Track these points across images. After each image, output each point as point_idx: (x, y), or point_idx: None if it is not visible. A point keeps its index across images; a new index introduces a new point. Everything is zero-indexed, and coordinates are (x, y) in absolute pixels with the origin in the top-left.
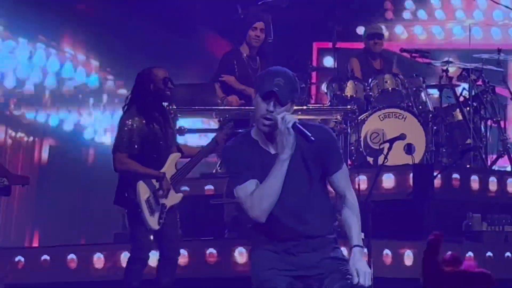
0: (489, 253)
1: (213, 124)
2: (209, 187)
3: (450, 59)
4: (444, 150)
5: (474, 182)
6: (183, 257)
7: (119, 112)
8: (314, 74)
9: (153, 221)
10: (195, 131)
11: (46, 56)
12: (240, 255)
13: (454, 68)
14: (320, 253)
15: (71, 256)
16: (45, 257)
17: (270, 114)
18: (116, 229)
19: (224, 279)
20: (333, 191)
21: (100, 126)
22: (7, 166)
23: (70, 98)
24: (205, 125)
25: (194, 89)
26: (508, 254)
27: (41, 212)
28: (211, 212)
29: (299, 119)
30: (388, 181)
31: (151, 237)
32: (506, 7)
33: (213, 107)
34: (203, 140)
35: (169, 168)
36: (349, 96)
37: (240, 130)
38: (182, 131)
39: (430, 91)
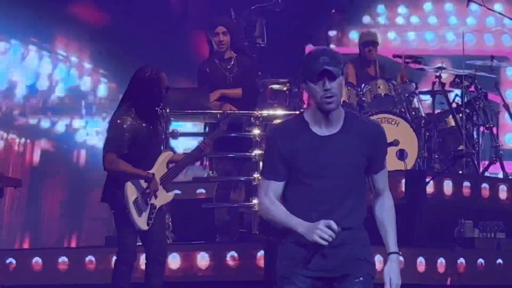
0: (480, 260)
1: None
2: (200, 191)
3: (443, 65)
4: (436, 156)
5: (466, 188)
6: (175, 261)
7: (111, 115)
8: None
9: (141, 222)
10: (189, 134)
11: (38, 58)
12: (232, 259)
13: (447, 74)
14: (347, 249)
15: (63, 258)
16: (37, 259)
17: (330, 92)
18: (107, 232)
19: (216, 283)
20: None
21: (92, 128)
22: None
23: (62, 100)
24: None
25: (188, 93)
26: (500, 260)
27: (32, 214)
28: (203, 216)
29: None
30: None
31: (138, 238)
32: (499, 13)
33: (206, 111)
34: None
35: (159, 167)
36: (341, 101)
37: (233, 135)
38: (175, 135)
39: (423, 97)
